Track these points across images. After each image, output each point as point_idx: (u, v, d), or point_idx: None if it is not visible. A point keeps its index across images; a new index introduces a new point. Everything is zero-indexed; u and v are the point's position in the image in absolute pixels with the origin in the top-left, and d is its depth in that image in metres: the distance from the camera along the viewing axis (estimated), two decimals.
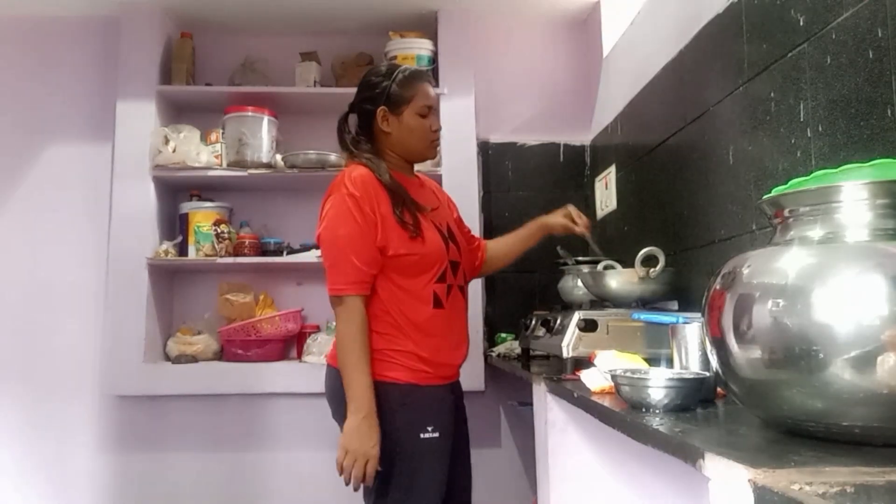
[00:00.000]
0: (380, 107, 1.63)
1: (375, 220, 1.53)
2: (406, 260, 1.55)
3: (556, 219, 1.87)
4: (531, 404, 1.77)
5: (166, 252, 2.69)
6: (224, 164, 2.74)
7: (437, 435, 1.54)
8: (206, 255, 2.69)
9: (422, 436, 1.52)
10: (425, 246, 1.56)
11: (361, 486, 1.55)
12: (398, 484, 1.52)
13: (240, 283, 2.85)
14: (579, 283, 2.13)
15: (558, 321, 1.88)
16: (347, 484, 1.49)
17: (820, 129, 1.33)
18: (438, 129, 1.69)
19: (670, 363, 1.30)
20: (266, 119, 2.75)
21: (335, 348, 1.59)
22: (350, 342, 1.51)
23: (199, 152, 2.72)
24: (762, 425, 0.92)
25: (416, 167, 1.80)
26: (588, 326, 1.73)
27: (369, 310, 1.56)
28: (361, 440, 1.45)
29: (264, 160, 2.73)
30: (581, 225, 1.84)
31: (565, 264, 2.32)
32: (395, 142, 1.65)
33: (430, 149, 1.69)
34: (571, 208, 1.87)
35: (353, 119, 1.71)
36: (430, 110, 1.66)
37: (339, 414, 1.58)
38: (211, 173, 2.73)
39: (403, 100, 1.62)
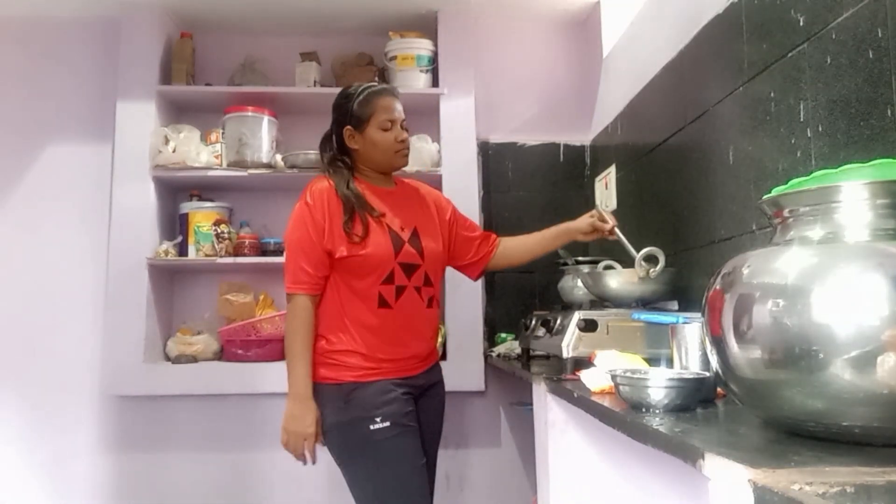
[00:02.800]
0: (345, 126, 1.77)
1: (325, 226, 1.67)
2: (351, 261, 1.67)
3: (583, 221, 1.86)
4: (531, 404, 1.77)
5: (166, 252, 2.69)
6: (224, 164, 2.74)
7: (387, 424, 1.62)
8: (206, 255, 2.69)
9: (371, 427, 1.62)
10: (367, 249, 1.67)
11: (348, 485, 1.66)
12: (369, 476, 1.63)
13: (240, 283, 2.85)
14: (579, 283, 2.13)
15: (558, 321, 1.87)
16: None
17: (820, 129, 1.33)
18: (404, 140, 1.78)
19: (670, 363, 1.30)
20: (266, 119, 2.75)
21: None
22: (293, 335, 1.66)
23: (199, 152, 2.72)
24: (762, 425, 0.92)
25: (415, 169, 1.86)
26: (588, 326, 1.73)
27: (318, 312, 1.70)
28: (297, 422, 1.62)
29: (264, 160, 2.73)
30: (610, 225, 1.82)
31: (565, 264, 2.32)
32: (363, 156, 1.78)
33: (396, 158, 1.78)
34: (598, 210, 1.86)
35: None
36: (393, 123, 1.75)
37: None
38: (211, 173, 2.73)
39: (364, 117, 1.74)
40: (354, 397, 1.64)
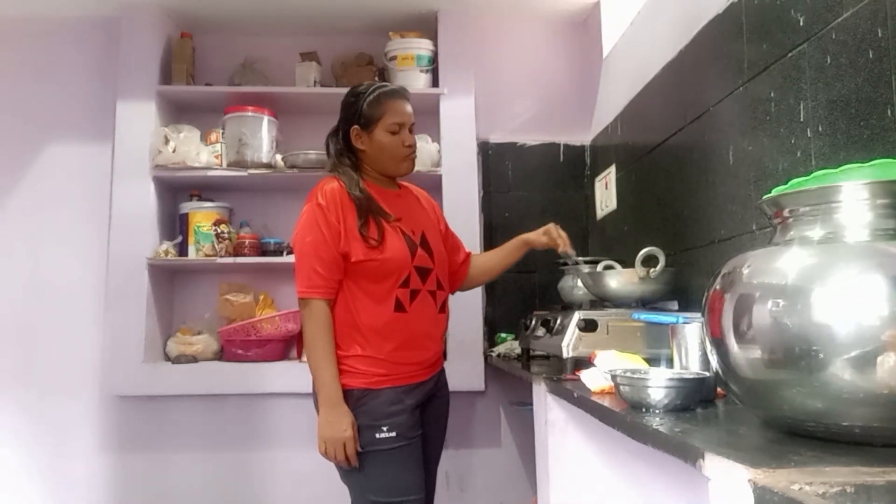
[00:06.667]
0: (353, 126, 1.73)
1: (339, 229, 1.64)
2: (368, 266, 1.64)
3: (538, 237, 1.92)
4: (531, 404, 1.77)
5: (166, 252, 2.69)
6: (224, 164, 2.74)
7: (393, 434, 1.62)
8: (206, 255, 2.69)
9: (377, 436, 1.61)
10: (385, 253, 1.65)
11: (349, 489, 1.65)
12: (369, 485, 1.61)
13: (240, 283, 2.85)
14: (579, 283, 2.13)
15: (558, 321, 1.88)
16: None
17: (820, 129, 1.33)
18: (412, 145, 1.75)
19: (670, 363, 1.30)
20: (266, 119, 2.75)
21: None
22: (315, 340, 1.63)
23: (199, 152, 2.72)
24: (762, 425, 0.92)
25: (415, 170, 1.83)
26: (588, 326, 1.73)
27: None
28: (334, 427, 1.58)
29: (264, 160, 2.73)
30: (562, 244, 1.88)
31: (565, 264, 2.32)
32: (370, 158, 1.75)
33: (402, 164, 1.76)
34: (552, 227, 1.91)
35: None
36: (402, 127, 1.73)
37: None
38: (211, 173, 2.73)
39: (373, 119, 1.71)
40: (364, 405, 1.62)
